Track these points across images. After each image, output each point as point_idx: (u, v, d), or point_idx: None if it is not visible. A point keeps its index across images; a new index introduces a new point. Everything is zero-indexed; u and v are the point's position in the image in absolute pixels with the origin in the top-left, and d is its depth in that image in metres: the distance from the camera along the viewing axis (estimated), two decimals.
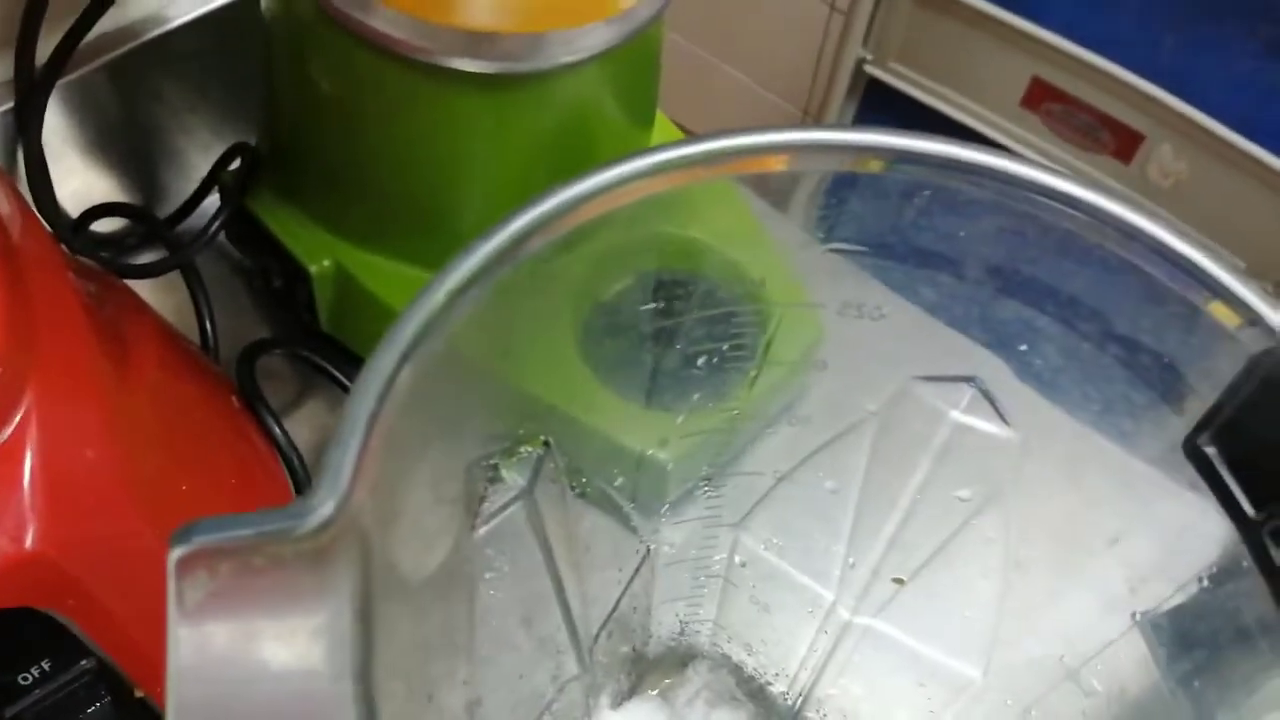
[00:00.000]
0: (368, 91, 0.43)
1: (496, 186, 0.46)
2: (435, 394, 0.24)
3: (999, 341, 0.31)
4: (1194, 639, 0.30)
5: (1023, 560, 0.37)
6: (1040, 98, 1.06)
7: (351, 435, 0.20)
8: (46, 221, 0.49)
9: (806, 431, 0.38)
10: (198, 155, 0.58)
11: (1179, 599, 0.30)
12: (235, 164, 0.51)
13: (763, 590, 0.43)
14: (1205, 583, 0.29)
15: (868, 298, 0.32)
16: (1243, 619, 0.27)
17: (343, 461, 0.20)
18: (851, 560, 0.40)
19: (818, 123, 1.24)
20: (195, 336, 0.50)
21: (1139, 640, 0.32)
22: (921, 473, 0.37)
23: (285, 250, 0.49)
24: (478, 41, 0.40)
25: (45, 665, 0.32)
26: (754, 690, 0.44)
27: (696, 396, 0.38)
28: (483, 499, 0.30)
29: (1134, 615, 0.32)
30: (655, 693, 0.44)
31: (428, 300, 0.23)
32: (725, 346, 0.36)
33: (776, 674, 0.44)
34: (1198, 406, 0.27)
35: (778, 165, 0.28)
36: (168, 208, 0.56)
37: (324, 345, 0.52)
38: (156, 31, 0.53)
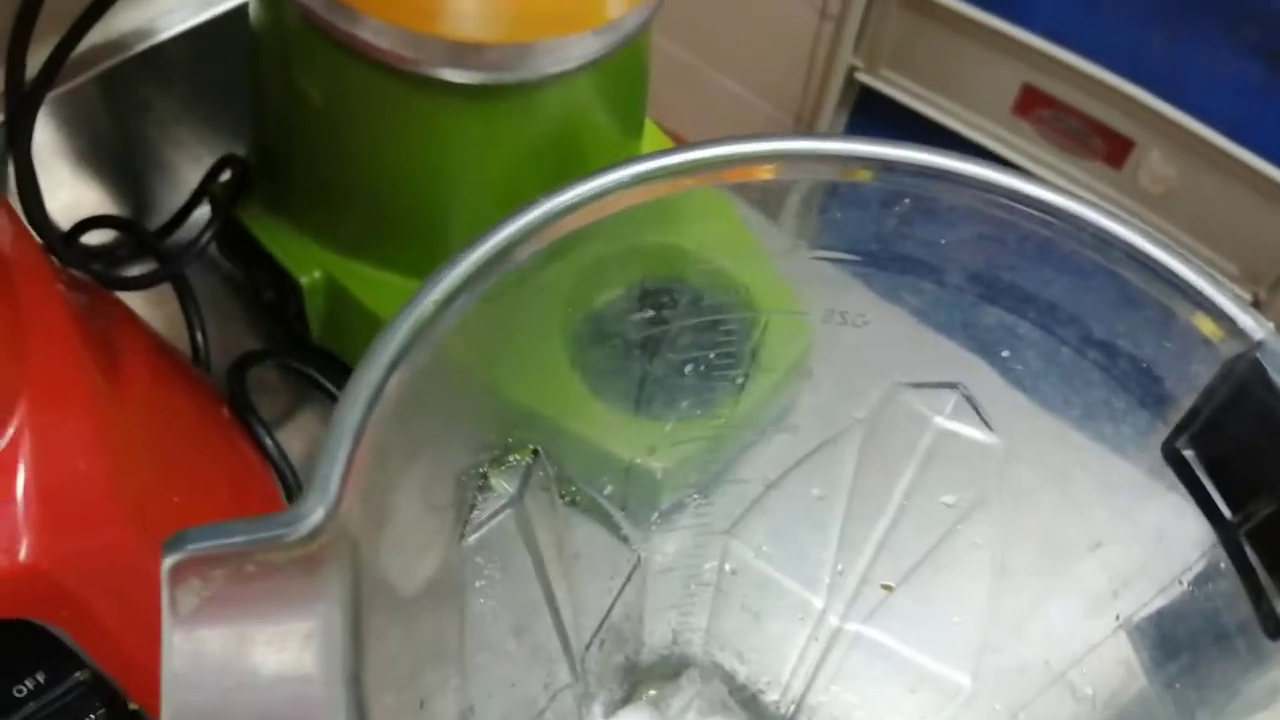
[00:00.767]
0: (355, 102, 0.43)
1: (485, 196, 0.46)
2: (424, 403, 0.24)
3: (981, 348, 0.31)
4: (1176, 642, 0.31)
5: (1009, 565, 0.37)
6: (1031, 104, 1.07)
7: (340, 444, 0.21)
8: (37, 234, 0.49)
9: (795, 439, 0.38)
10: (188, 167, 0.58)
11: (1160, 602, 0.30)
12: (225, 175, 0.51)
13: (754, 598, 0.43)
14: (1185, 585, 0.29)
15: (851, 305, 0.32)
16: (1222, 621, 0.28)
17: (331, 470, 0.20)
18: (840, 567, 0.40)
19: (810, 129, 1.24)
20: (186, 348, 0.51)
21: (1124, 643, 0.33)
22: (908, 479, 0.37)
23: (276, 261, 0.49)
24: (465, 52, 0.40)
25: (40, 677, 0.32)
26: (746, 698, 0.44)
27: (685, 405, 0.38)
28: (473, 507, 0.30)
29: (1117, 618, 0.32)
30: (647, 701, 0.44)
31: (414, 311, 0.23)
32: (713, 355, 0.36)
33: (769, 682, 0.44)
34: (1175, 410, 0.27)
35: (762, 174, 0.28)
36: (158, 220, 0.56)
37: (315, 356, 0.52)
38: (146, 44, 0.53)
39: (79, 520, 0.31)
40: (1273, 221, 0.96)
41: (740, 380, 0.37)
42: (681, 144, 0.27)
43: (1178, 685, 0.30)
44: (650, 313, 0.34)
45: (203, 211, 0.53)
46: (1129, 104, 0.99)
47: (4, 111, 0.48)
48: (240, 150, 0.52)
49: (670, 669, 0.45)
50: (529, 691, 0.38)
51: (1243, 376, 0.25)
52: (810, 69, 1.20)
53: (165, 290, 0.52)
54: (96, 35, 0.48)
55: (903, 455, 0.37)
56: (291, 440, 0.50)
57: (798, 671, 0.43)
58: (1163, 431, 0.28)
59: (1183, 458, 0.27)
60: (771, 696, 0.44)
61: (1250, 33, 0.92)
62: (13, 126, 0.48)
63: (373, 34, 0.39)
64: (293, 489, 0.46)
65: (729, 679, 0.44)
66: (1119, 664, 0.33)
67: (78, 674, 0.32)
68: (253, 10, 0.45)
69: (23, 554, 0.28)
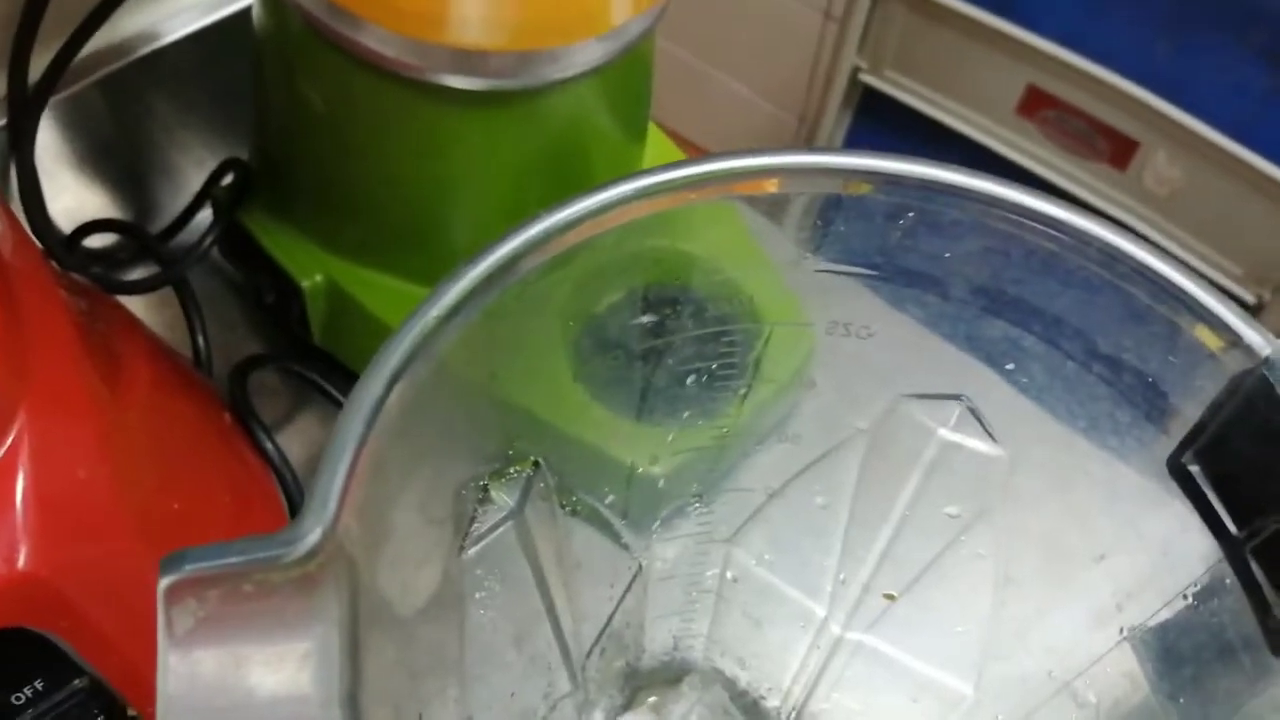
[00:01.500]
0: (358, 108, 0.43)
1: (488, 202, 0.46)
2: (424, 417, 0.24)
3: (986, 360, 0.31)
4: (1180, 655, 0.30)
5: (1012, 575, 0.37)
6: (1036, 105, 1.06)
7: (338, 463, 0.21)
8: (38, 238, 0.49)
9: (797, 448, 0.38)
10: (190, 171, 0.58)
11: (1165, 615, 0.30)
12: (228, 179, 0.51)
13: (755, 605, 0.43)
14: (1190, 599, 0.29)
15: (855, 317, 0.32)
16: (1227, 635, 0.27)
17: (329, 489, 0.20)
18: (842, 576, 0.40)
19: (814, 130, 1.24)
20: (188, 352, 0.50)
21: (1128, 655, 0.33)
22: (911, 489, 0.37)
23: (278, 265, 0.49)
24: (468, 59, 0.40)
25: (38, 685, 0.32)
26: (748, 705, 0.44)
27: (687, 414, 0.38)
28: (472, 520, 0.30)
29: (1122, 630, 0.32)
30: (648, 707, 0.44)
31: (415, 325, 0.23)
32: (715, 365, 0.36)
33: (770, 689, 0.44)
34: (1181, 425, 0.27)
35: (767, 188, 0.28)
36: (160, 223, 0.56)
37: (317, 360, 0.52)
38: (149, 48, 0.53)
39: (79, 528, 0.31)
40: (1277, 224, 0.96)
41: (742, 390, 0.37)
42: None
43: (1182, 699, 0.30)
44: (653, 322, 0.34)
45: (205, 215, 0.53)
46: (1134, 105, 0.99)
47: (7, 115, 0.48)
48: (243, 154, 0.52)
49: (671, 675, 0.44)
50: (528, 701, 0.38)
51: (1250, 392, 0.25)
52: (814, 70, 1.20)
53: (167, 294, 0.52)
54: (100, 40, 0.48)
55: (906, 465, 0.37)
56: (292, 444, 0.50)
57: (799, 678, 0.43)
58: (1168, 445, 0.27)
59: (1188, 473, 0.27)
60: (773, 703, 0.44)
61: (1256, 35, 0.91)
62: (16, 130, 0.48)
63: (376, 41, 0.39)
64: (293, 492, 0.46)
65: (730, 685, 0.44)
66: (1123, 675, 0.33)
67: (76, 681, 0.32)
68: (256, 15, 0.45)
69: (22, 562, 0.28)
